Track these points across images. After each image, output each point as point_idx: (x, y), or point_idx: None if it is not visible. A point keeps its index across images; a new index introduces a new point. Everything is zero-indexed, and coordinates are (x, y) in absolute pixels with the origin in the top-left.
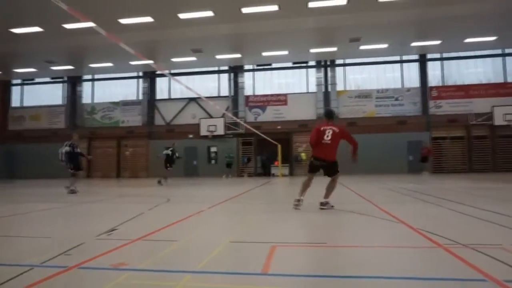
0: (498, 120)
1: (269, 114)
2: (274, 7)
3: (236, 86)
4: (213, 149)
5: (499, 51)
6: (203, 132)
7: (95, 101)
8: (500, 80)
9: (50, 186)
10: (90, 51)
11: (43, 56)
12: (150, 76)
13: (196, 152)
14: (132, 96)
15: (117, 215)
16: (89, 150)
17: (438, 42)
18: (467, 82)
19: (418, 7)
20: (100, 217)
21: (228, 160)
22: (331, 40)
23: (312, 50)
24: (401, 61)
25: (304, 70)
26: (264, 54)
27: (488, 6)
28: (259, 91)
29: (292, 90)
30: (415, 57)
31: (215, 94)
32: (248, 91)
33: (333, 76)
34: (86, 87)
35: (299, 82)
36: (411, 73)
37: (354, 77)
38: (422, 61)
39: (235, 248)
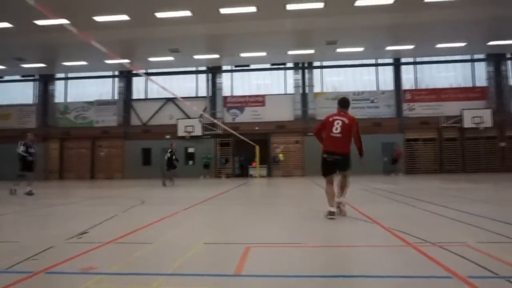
0: (467, 123)
1: (247, 115)
2: (252, 9)
3: (214, 87)
4: (190, 150)
5: (468, 57)
6: (181, 132)
7: (69, 100)
8: (469, 84)
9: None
10: (63, 48)
11: (12, 53)
12: (126, 76)
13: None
14: (107, 96)
15: (89, 218)
16: (62, 151)
17: (411, 46)
18: (438, 86)
19: (392, 13)
20: (71, 220)
21: (206, 161)
22: (308, 43)
23: (290, 52)
24: (376, 65)
25: (282, 72)
26: (242, 55)
27: (458, 14)
28: (237, 92)
29: (270, 91)
30: (390, 60)
31: (193, 95)
32: (226, 92)
33: (311, 78)
34: (59, 86)
35: (277, 84)
36: (386, 76)
37: (331, 79)
38: (396, 65)
39: (209, 250)
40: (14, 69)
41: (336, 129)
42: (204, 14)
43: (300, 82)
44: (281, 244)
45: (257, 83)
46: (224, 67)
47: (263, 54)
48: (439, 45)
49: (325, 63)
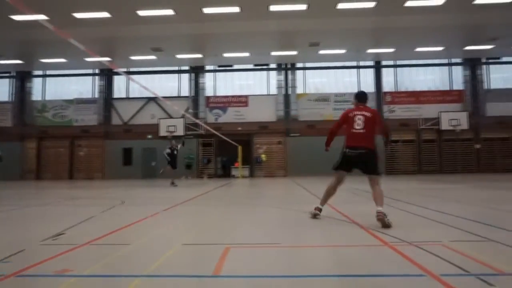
0: (445, 125)
1: (230, 115)
2: (236, 9)
3: (197, 87)
4: None
5: (446, 61)
6: (163, 132)
7: (47, 98)
8: (447, 87)
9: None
10: (41, 45)
11: None
12: (107, 74)
13: (155, 153)
14: (87, 94)
15: (65, 219)
16: (39, 150)
17: (391, 50)
18: (417, 89)
19: (373, 16)
20: (46, 221)
21: (188, 161)
22: (291, 44)
23: (273, 53)
24: (358, 67)
25: (265, 72)
26: (226, 55)
27: (436, 19)
28: (220, 92)
29: (253, 92)
30: (371, 63)
31: (176, 94)
32: (209, 92)
33: (293, 79)
34: (36, 84)
35: (260, 84)
36: (367, 78)
37: (313, 81)
38: (377, 68)
39: (187, 251)
40: None
41: (358, 124)
42: (187, 13)
43: (283, 83)
44: (261, 245)
45: (240, 84)
46: (207, 67)
47: (246, 54)
48: (418, 49)
49: (307, 65)
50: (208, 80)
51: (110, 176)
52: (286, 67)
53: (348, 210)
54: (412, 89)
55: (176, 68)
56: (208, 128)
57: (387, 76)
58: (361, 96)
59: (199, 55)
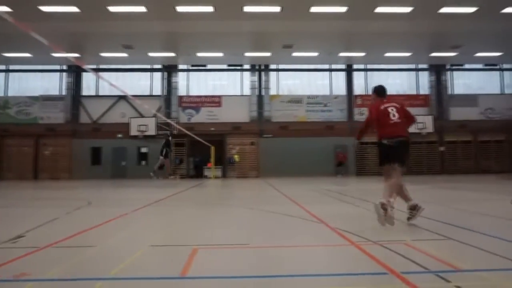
0: (412, 128)
1: (203, 115)
2: (209, 8)
3: (170, 86)
4: (143, 149)
5: (413, 66)
6: (133, 132)
7: (10, 94)
8: (414, 92)
9: None
10: (4, 38)
11: None
12: (75, 70)
13: (125, 152)
14: (54, 91)
15: (27, 221)
16: (1, 149)
17: (362, 54)
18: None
19: (345, 20)
20: (5, 223)
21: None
22: (265, 45)
23: (247, 54)
24: (330, 70)
25: (238, 73)
26: (199, 54)
27: (404, 26)
28: (193, 92)
29: (226, 92)
30: (343, 66)
31: (148, 93)
32: (182, 91)
33: (267, 81)
34: None
35: (233, 85)
36: (339, 81)
37: (286, 82)
38: (349, 71)
39: (155, 252)
40: None
41: (394, 115)
42: (159, 11)
43: (257, 84)
44: (229, 245)
45: (213, 84)
46: (180, 66)
47: (220, 54)
48: (387, 54)
49: (281, 66)
50: (181, 80)
51: (77, 176)
52: (260, 68)
53: (317, 210)
54: None
55: (148, 66)
56: (180, 128)
57: (358, 79)
58: (381, 91)
59: (172, 54)
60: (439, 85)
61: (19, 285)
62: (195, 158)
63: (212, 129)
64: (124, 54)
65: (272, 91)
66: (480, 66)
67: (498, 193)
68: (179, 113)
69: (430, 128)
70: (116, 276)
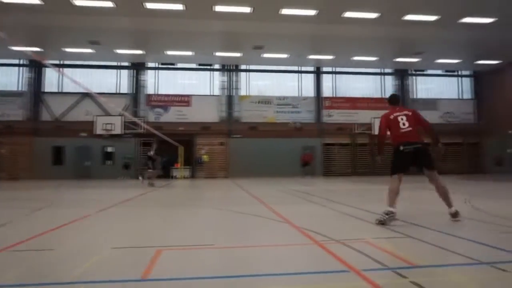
0: (376, 130)
1: (172, 115)
2: (179, 6)
3: (138, 84)
4: (109, 149)
5: (379, 70)
6: (99, 130)
7: None
8: (379, 95)
9: None
10: None
11: None
12: (36, 65)
13: (89, 152)
14: (12, 87)
15: None
16: None
17: (331, 57)
18: (353, 95)
19: (314, 23)
20: None
21: (126, 161)
22: (236, 46)
23: (218, 54)
24: (299, 72)
25: (208, 73)
26: (169, 53)
27: (370, 31)
28: (162, 91)
29: (196, 92)
30: (312, 68)
31: (114, 91)
32: (150, 90)
33: (237, 81)
34: None
35: (203, 84)
36: (308, 83)
37: (256, 83)
38: (318, 73)
39: (117, 255)
40: None
41: (404, 124)
42: (128, 7)
43: (226, 84)
44: (194, 246)
45: (183, 83)
46: (149, 64)
47: (190, 53)
48: (355, 58)
49: (251, 67)
50: (149, 78)
51: (38, 176)
52: (230, 69)
53: (283, 210)
54: (349, 96)
55: (115, 63)
56: (148, 127)
57: (327, 82)
58: (393, 99)
59: (140, 51)
60: (402, 89)
61: None
62: (163, 158)
63: (181, 128)
64: (90, 50)
65: (242, 92)
66: (440, 72)
67: (454, 193)
68: (147, 112)
69: None
70: (74, 281)
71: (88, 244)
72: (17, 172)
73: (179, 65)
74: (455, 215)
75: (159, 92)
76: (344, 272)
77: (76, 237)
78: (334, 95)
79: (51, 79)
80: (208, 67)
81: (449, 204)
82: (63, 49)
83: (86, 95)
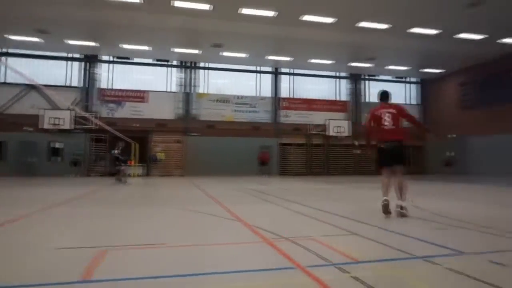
0: (331, 131)
1: (127, 111)
2: None
3: (90, 77)
4: (57, 145)
5: (334, 74)
6: (46, 125)
7: None
8: (334, 98)
9: None
10: None
11: None
12: None
13: (34, 147)
14: None
15: None
16: None
17: (289, 58)
18: (309, 97)
19: (273, 25)
20: None
21: (74, 157)
22: (194, 43)
23: (175, 50)
24: (258, 72)
25: (165, 69)
26: (124, 46)
27: (326, 35)
28: (117, 85)
29: (152, 88)
30: (270, 69)
31: (63, 83)
32: (103, 84)
33: (195, 78)
34: None
35: (160, 80)
36: (266, 83)
37: (215, 81)
38: (276, 74)
39: (59, 256)
40: None
41: (385, 120)
42: None
43: (184, 81)
44: (143, 246)
45: (139, 78)
46: (103, 57)
47: (147, 48)
48: (312, 60)
49: (210, 65)
50: (103, 71)
51: None
52: (189, 65)
53: (238, 209)
54: (305, 97)
55: (65, 54)
56: (100, 123)
57: (284, 82)
58: (382, 95)
59: (94, 43)
60: (356, 93)
61: None
62: (127, 157)
63: (136, 125)
64: (37, 39)
65: (200, 89)
66: (390, 78)
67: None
68: (100, 106)
69: (347, 132)
70: (11, 284)
71: (29, 245)
72: None
73: (135, 60)
74: (402, 208)
75: (114, 87)
76: (291, 269)
77: (15, 238)
78: (292, 96)
79: None
80: (166, 63)
81: (402, 198)
82: (6, 36)
83: (33, 87)
